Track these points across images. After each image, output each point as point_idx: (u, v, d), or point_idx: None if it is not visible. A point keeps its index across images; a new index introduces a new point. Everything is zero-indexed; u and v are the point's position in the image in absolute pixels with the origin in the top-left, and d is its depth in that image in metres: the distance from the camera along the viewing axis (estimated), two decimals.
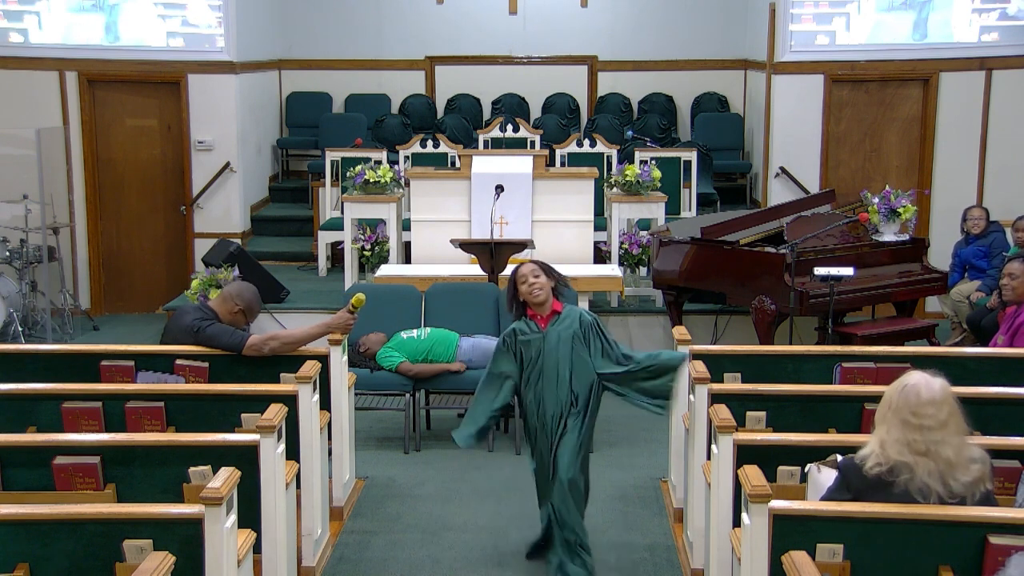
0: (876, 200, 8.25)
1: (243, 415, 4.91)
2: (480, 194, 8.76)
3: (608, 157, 10.38)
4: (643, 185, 9.19)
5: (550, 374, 4.96)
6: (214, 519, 3.67)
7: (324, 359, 5.69)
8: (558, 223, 8.92)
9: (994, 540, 3.49)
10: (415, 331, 7.09)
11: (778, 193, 10.19)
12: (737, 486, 4.32)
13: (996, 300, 7.91)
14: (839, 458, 3.83)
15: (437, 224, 8.88)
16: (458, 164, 9.52)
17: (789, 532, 3.60)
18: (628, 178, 9.18)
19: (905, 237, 8.30)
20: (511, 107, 12.26)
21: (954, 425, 3.53)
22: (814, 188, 10.02)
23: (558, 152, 10.44)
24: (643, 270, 9.38)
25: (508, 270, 7.79)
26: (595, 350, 4.97)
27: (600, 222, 9.53)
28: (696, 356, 5.51)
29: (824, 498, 3.78)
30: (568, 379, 4.95)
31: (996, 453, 4.06)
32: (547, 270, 4.98)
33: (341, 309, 5.86)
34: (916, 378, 3.60)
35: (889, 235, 8.25)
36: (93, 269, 10.57)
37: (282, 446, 4.64)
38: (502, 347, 5.06)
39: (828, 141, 10.26)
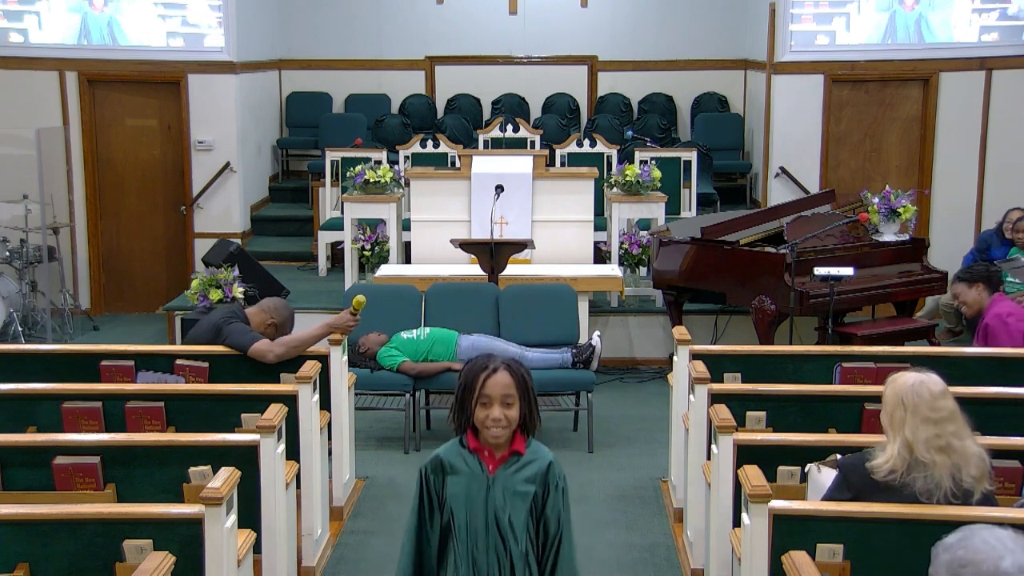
0: (876, 200, 8.25)
1: (243, 415, 4.91)
2: (480, 194, 8.76)
3: (608, 157, 10.38)
4: (643, 185, 9.19)
5: (492, 541, 3.16)
6: (214, 519, 3.67)
7: (324, 359, 5.70)
8: (558, 223, 8.92)
9: None
10: (415, 331, 7.09)
11: (778, 193, 10.19)
12: (737, 486, 4.32)
13: None
14: (839, 458, 3.84)
15: (437, 224, 8.88)
16: (458, 164, 9.52)
17: (789, 532, 3.60)
18: (628, 178, 9.18)
19: (905, 237, 8.30)
20: (511, 107, 12.26)
21: (959, 414, 3.58)
22: (814, 188, 10.03)
23: (558, 152, 10.43)
24: (643, 270, 9.38)
25: (510, 268, 7.88)
26: (539, 517, 3.18)
27: (600, 222, 9.53)
28: (696, 356, 5.51)
29: (824, 497, 3.78)
30: (518, 552, 3.15)
31: (996, 453, 4.05)
32: (524, 391, 3.17)
33: (343, 311, 5.88)
34: (916, 376, 3.64)
35: (889, 235, 8.24)
36: (93, 269, 10.57)
37: (282, 446, 4.64)
38: (421, 493, 3.26)
39: (828, 141, 10.26)
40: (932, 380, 3.62)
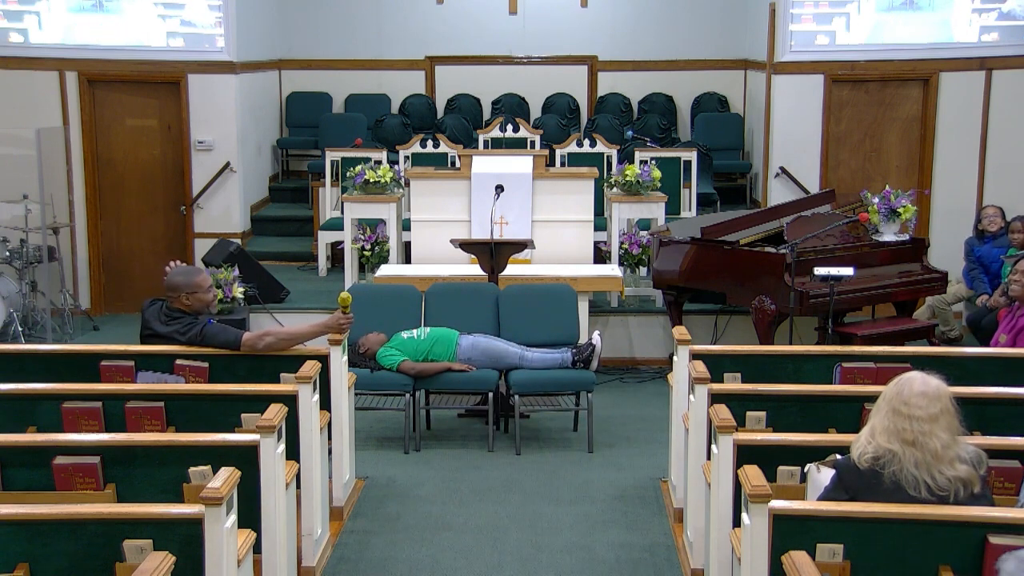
0: (876, 200, 8.25)
1: (243, 415, 4.91)
2: (480, 194, 8.76)
3: (608, 157, 10.38)
4: (643, 185, 9.19)
5: None
6: (214, 519, 3.67)
7: (324, 359, 5.69)
8: (558, 223, 8.92)
9: (994, 540, 3.49)
10: (415, 331, 7.09)
11: (778, 193, 10.18)
12: (737, 486, 4.32)
13: (996, 298, 7.91)
14: (839, 458, 3.85)
15: (437, 224, 8.88)
16: (458, 164, 9.52)
17: (789, 532, 3.60)
18: (628, 178, 9.18)
19: (905, 237, 8.30)
20: (511, 107, 12.26)
21: (945, 422, 3.61)
22: (814, 188, 10.02)
23: (558, 152, 10.43)
24: (643, 270, 9.38)
25: (510, 268, 7.87)
26: None
27: (600, 222, 9.53)
28: (696, 356, 5.51)
29: (821, 497, 3.79)
30: None
31: (996, 453, 4.07)
32: None
33: (336, 311, 5.88)
34: (913, 374, 3.72)
35: (889, 235, 8.24)
36: (93, 269, 10.57)
37: (282, 446, 4.64)
38: None
39: (828, 141, 10.25)
40: (924, 381, 3.66)
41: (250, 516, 4.31)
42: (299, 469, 5.10)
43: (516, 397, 6.91)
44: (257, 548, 4.41)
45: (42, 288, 9.63)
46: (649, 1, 12.38)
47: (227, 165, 10.45)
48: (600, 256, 9.31)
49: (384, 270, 8.61)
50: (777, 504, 3.66)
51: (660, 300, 8.91)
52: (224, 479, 3.79)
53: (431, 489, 6.35)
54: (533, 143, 10.70)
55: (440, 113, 12.36)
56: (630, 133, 11.43)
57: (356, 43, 12.41)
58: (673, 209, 10.07)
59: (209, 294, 5.74)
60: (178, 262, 5.94)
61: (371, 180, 9.20)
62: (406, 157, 10.42)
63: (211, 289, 5.77)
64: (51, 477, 4.24)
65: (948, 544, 3.53)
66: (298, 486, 5.13)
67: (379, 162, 9.90)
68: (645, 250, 9.11)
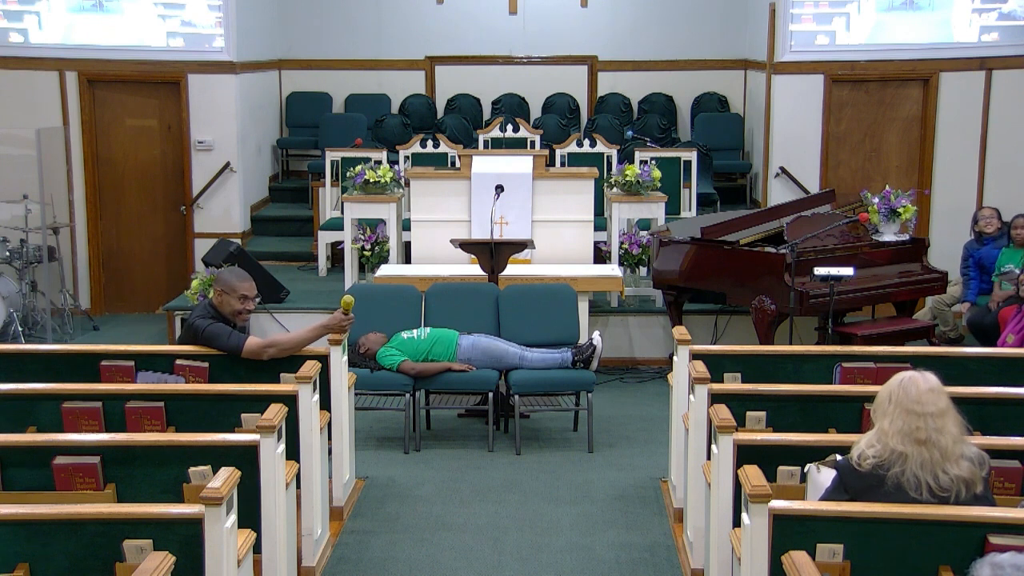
0: (876, 200, 8.25)
1: (243, 415, 4.91)
2: (480, 194, 8.76)
3: (608, 157, 10.38)
4: (643, 185, 9.19)
5: None
6: (214, 519, 3.67)
7: (324, 359, 5.70)
8: (558, 223, 8.91)
9: (994, 540, 3.49)
10: (415, 331, 7.09)
11: (778, 193, 10.18)
12: (737, 486, 4.32)
13: (997, 293, 7.90)
14: (839, 458, 3.85)
15: (437, 224, 8.88)
16: (458, 164, 9.52)
17: (789, 532, 3.61)
18: (628, 178, 9.18)
19: (905, 237, 8.30)
20: (511, 107, 12.26)
21: (952, 415, 3.64)
22: (814, 188, 10.02)
23: (558, 152, 10.43)
24: (643, 270, 9.38)
25: (510, 268, 7.88)
26: None
27: (600, 222, 9.53)
28: (696, 356, 5.52)
29: (823, 499, 3.79)
30: None
31: (996, 453, 4.07)
32: None
33: (336, 311, 5.88)
34: (911, 374, 3.72)
35: (889, 235, 8.24)
36: (93, 269, 10.57)
37: (282, 446, 4.64)
38: None
39: (828, 141, 10.26)
40: (926, 377, 3.69)
41: (250, 516, 4.31)
42: (299, 469, 5.11)
43: (516, 397, 6.91)
44: (257, 548, 4.41)
45: (42, 288, 9.64)
46: (649, 1, 12.37)
47: (227, 165, 10.45)
48: (600, 256, 9.31)
49: (384, 270, 8.61)
50: (777, 504, 3.66)
51: (660, 300, 8.91)
52: (224, 479, 3.79)
53: (431, 489, 6.35)
54: (533, 143, 10.70)
55: (440, 113, 12.36)
56: (630, 133, 11.43)
57: (356, 43, 12.41)
58: (673, 209, 10.07)
59: (238, 304, 5.66)
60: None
61: (371, 180, 9.20)
62: (406, 157, 10.42)
63: (244, 300, 5.68)
64: (51, 477, 4.24)
65: (948, 544, 3.53)
66: (298, 486, 5.14)
67: (379, 162, 9.90)
68: (645, 250, 9.11)
